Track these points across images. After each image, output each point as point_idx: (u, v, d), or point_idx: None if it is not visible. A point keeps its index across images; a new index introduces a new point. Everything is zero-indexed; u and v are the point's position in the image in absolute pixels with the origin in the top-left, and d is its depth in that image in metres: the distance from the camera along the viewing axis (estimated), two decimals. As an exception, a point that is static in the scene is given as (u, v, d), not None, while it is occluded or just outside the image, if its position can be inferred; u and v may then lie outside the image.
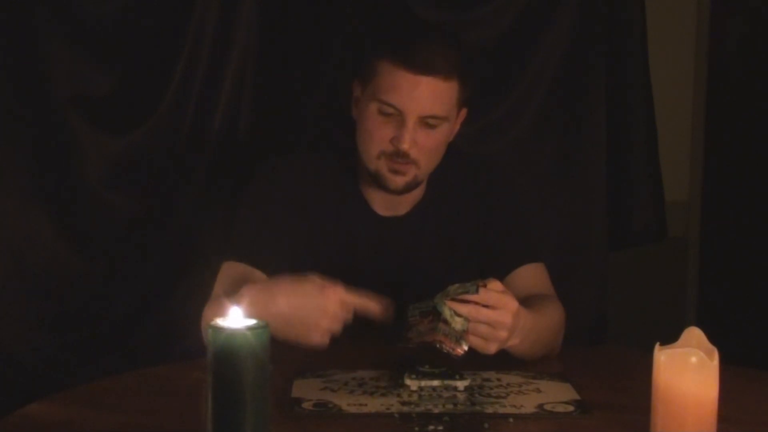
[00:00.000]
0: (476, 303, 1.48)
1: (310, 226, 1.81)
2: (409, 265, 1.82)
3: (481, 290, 1.49)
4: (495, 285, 1.52)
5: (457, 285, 1.51)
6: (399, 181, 1.75)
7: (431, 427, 1.33)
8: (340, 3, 2.27)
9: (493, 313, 1.49)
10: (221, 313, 1.56)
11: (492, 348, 1.52)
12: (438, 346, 1.49)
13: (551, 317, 1.72)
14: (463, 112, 1.80)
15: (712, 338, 1.24)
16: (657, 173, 2.52)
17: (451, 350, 1.49)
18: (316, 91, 2.26)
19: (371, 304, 1.53)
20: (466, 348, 1.49)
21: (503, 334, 1.50)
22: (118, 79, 2.17)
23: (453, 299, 1.49)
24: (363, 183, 1.82)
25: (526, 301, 1.68)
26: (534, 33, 2.35)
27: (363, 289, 1.55)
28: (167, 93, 2.16)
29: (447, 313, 1.48)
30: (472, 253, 1.85)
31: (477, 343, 1.51)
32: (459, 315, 1.48)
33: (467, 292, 1.49)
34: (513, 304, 1.51)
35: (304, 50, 2.26)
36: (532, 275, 1.83)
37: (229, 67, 2.19)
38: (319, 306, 1.52)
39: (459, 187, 1.87)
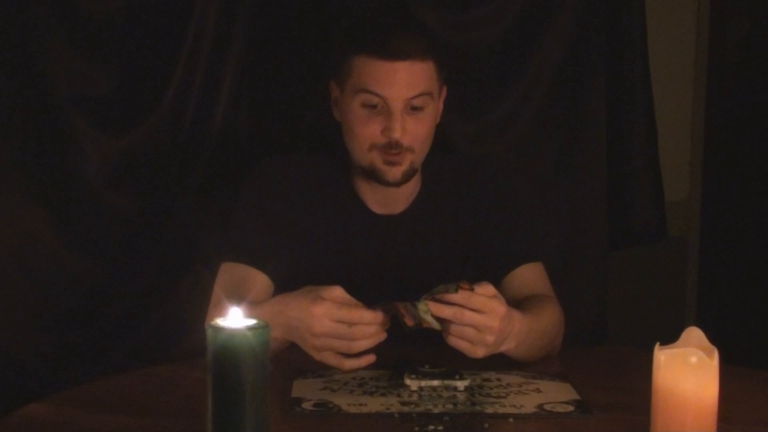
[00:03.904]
0: (461, 306, 1.47)
1: (306, 226, 1.81)
2: (406, 263, 1.82)
3: (465, 293, 1.47)
4: (486, 289, 1.51)
5: (441, 285, 1.50)
6: (396, 172, 1.74)
7: (431, 427, 1.33)
8: (341, 4, 2.27)
9: (478, 317, 1.48)
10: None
11: (479, 352, 1.50)
12: (393, 312, 1.49)
13: (549, 319, 1.71)
14: (444, 90, 1.80)
15: (712, 338, 1.24)
16: (657, 173, 2.52)
17: (401, 317, 1.48)
18: (315, 91, 2.26)
19: (363, 314, 1.50)
20: (413, 323, 1.48)
21: (490, 338, 1.49)
22: (118, 79, 2.17)
23: (434, 299, 1.48)
24: (358, 182, 1.82)
25: (524, 303, 1.67)
26: (534, 33, 2.35)
27: (363, 297, 1.54)
28: (167, 93, 2.16)
29: (422, 306, 1.47)
30: (470, 252, 1.85)
31: (463, 346, 1.50)
32: (432, 314, 1.47)
33: (446, 291, 1.48)
34: (501, 308, 1.50)
35: (303, 50, 2.26)
36: (530, 275, 1.83)
37: (229, 67, 2.19)
38: (306, 324, 1.51)
39: (456, 186, 1.87)
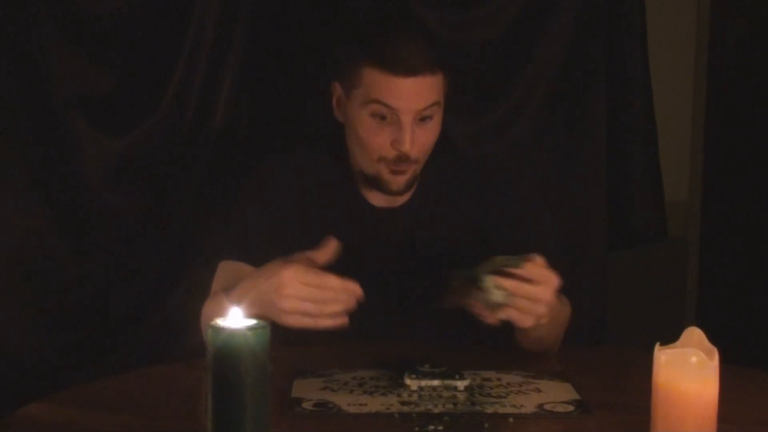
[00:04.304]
0: (520, 277, 1.49)
1: (306, 221, 1.81)
2: (406, 255, 1.82)
3: (527, 265, 1.49)
4: (540, 260, 1.52)
5: (503, 257, 1.50)
6: (400, 180, 1.75)
7: (431, 427, 1.33)
8: (341, 4, 2.27)
9: (534, 289, 1.49)
10: (218, 307, 1.56)
11: (528, 322, 1.52)
12: (471, 310, 1.50)
13: (565, 310, 1.74)
14: (447, 87, 1.80)
15: (712, 338, 1.24)
16: (657, 173, 2.52)
17: (483, 316, 1.50)
18: (315, 90, 2.26)
19: (330, 280, 1.50)
20: (499, 318, 1.50)
21: (542, 309, 1.51)
22: (118, 79, 2.17)
23: (499, 271, 1.48)
24: (358, 176, 1.83)
25: None
26: (534, 33, 2.35)
27: (364, 291, 1.54)
28: (167, 93, 2.17)
29: (488, 282, 1.48)
30: (470, 246, 1.85)
31: (514, 315, 1.51)
32: (500, 288, 1.48)
33: (509, 265, 1.49)
34: (555, 279, 1.52)
35: (303, 50, 2.26)
36: None
37: (229, 67, 2.19)
38: (275, 286, 1.50)
39: (456, 181, 1.87)
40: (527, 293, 1.50)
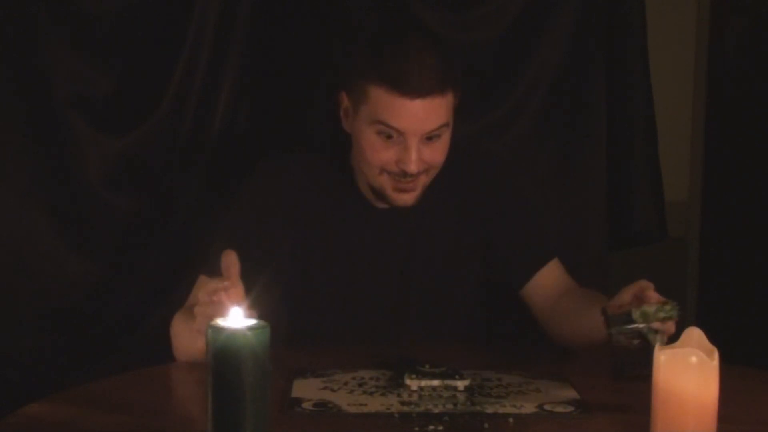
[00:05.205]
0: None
1: (306, 225, 1.80)
2: (409, 257, 1.82)
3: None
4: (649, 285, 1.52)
5: (653, 308, 1.49)
6: (407, 198, 1.73)
7: (431, 427, 1.33)
8: (341, 4, 2.27)
9: (668, 325, 1.49)
10: (179, 329, 1.60)
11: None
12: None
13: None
14: (457, 103, 1.77)
15: (712, 338, 1.24)
16: (657, 173, 2.52)
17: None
18: (316, 91, 2.26)
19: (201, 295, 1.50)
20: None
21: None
22: (118, 79, 2.17)
23: (661, 319, 1.48)
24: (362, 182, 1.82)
25: (589, 296, 1.70)
26: (534, 33, 2.35)
27: (365, 291, 1.52)
28: (167, 93, 2.17)
29: (658, 340, 1.46)
30: (480, 249, 1.84)
31: None
32: (656, 331, 1.48)
33: (670, 317, 1.48)
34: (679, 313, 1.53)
35: (304, 50, 2.26)
36: (556, 271, 1.83)
37: (229, 68, 2.19)
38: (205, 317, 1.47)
39: (462, 180, 1.85)
40: (666, 329, 1.50)
